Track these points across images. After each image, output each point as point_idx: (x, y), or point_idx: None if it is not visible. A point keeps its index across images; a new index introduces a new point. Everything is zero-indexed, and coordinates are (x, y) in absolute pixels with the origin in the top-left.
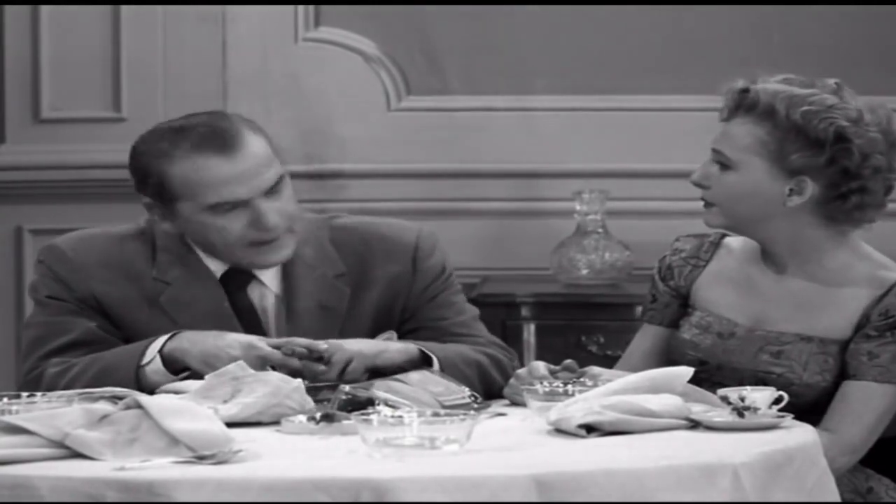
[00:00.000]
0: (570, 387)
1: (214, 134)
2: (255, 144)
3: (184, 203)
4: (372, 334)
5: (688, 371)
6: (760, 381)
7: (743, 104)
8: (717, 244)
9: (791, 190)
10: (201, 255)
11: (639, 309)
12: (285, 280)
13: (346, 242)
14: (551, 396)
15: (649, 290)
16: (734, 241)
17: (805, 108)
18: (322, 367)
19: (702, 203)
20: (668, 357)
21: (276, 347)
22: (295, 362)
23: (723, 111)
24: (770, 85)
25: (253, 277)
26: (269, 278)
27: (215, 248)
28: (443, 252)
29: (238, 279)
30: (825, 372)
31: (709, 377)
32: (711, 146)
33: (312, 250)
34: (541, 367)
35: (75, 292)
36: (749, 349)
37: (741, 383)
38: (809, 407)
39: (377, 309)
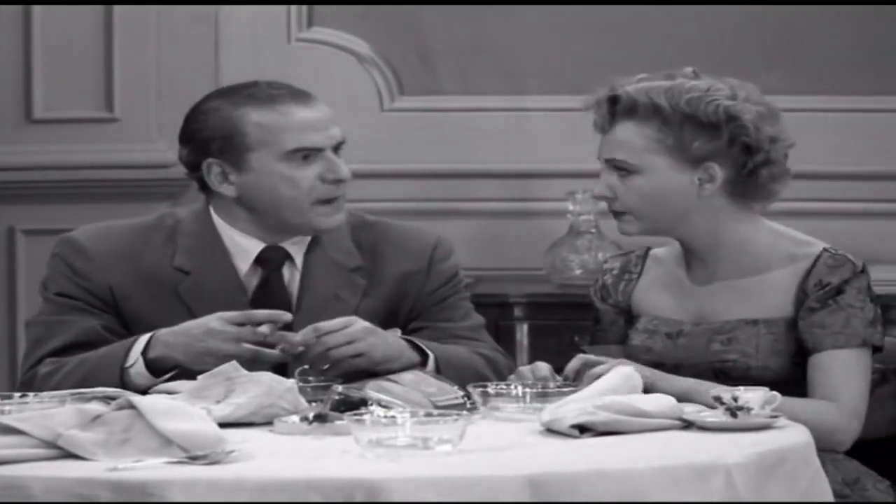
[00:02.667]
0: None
1: (288, 88)
2: (322, 102)
3: (258, 153)
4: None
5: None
6: (719, 371)
7: (619, 110)
8: (644, 257)
9: (700, 179)
10: (230, 241)
11: None
12: (305, 268)
13: (365, 240)
14: (509, 398)
15: (592, 316)
16: (660, 251)
17: (687, 95)
18: (298, 338)
19: (612, 214)
20: None
21: (241, 324)
22: (262, 337)
23: (597, 123)
24: (639, 85)
25: (288, 257)
26: (299, 262)
27: (282, 205)
28: (457, 259)
29: (274, 258)
30: (779, 352)
31: None
32: (603, 157)
33: (332, 243)
34: (544, 368)
35: (89, 283)
36: (699, 343)
37: (700, 378)
38: (770, 389)
39: (387, 304)
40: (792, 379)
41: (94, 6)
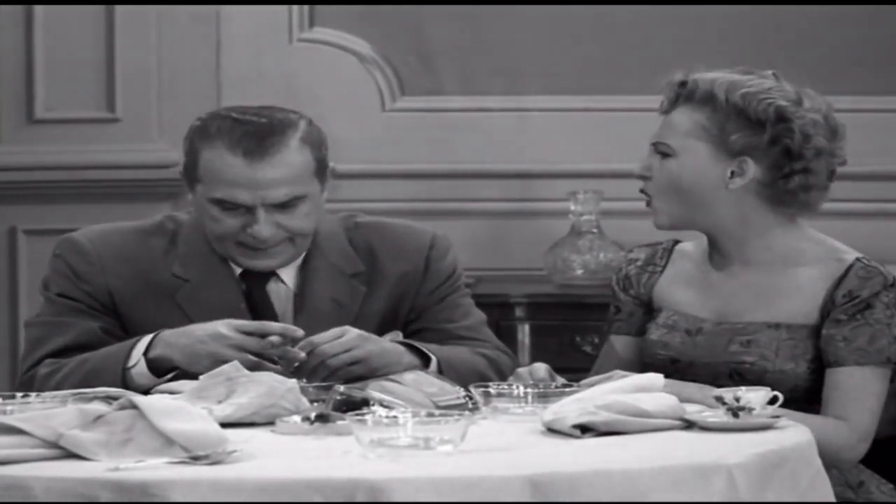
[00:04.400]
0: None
1: (255, 136)
2: (289, 158)
3: (199, 185)
4: (378, 333)
5: (658, 378)
6: (734, 372)
7: (682, 95)
8: (670, 250)
9: (733, 172)
10: None
11: None
12: (303, 276)
13: (362, 241)
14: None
15: (612, 304)
16: (687, 246)
17: (744, 90)
18: (302, 355)
19: (647, 203)
20: (640, 362)
21: (250, 333)
22: (269, 347)
23: (662, 105)
24: (709, 74)
25: (273, 274)
26: (288, 276)
27: (210, 236)
28: (455, 256)
29: (259, 275)
30: (797, 357)
31: (682, 376)
32: (651, 141)
33: (333, 249)
34: (542, 369)
35: (89, 286)
36: (719, 343)
37: (715, 378)
38: (787, 395)
39: (385, 307)
40: (807, 386)
41: (96, 6)
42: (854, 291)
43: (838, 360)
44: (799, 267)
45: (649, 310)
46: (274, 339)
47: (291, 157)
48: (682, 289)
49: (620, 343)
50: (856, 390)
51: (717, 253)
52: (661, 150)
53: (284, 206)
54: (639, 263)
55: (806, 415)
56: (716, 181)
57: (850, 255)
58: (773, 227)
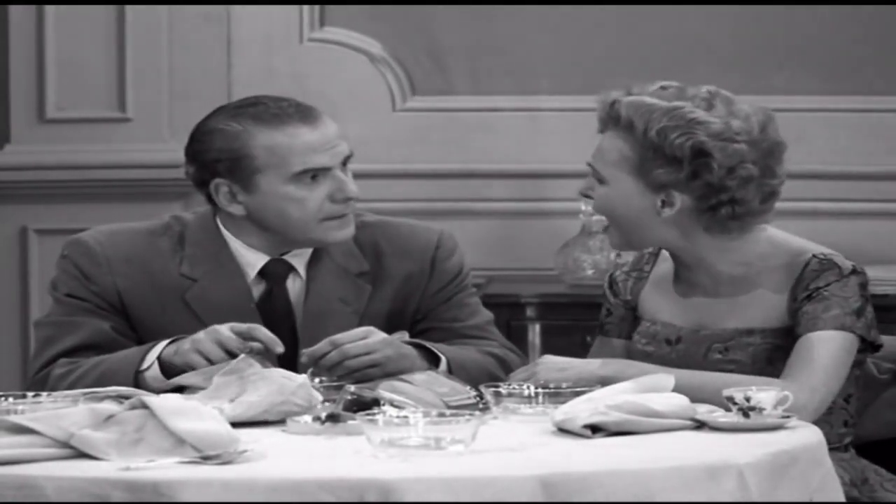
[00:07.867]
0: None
1: (294, 105)
2: (327, 118)
3: (266, 175)
4: (385, 332)
5: (668, 379)
6: None
7: (612, 117)
8: (656, 255)
9: (662, 202)
10: (236, 250)
11: None
12: (309, 276)
13: (368, 240)
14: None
15: (603, 305)
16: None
17: (662, 124)
18: (303, 360)
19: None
20: None
21: (239, 333)
22: (246, 349)
23: (599, 124)
24: (635, 98)
25: (291, 269)
26: (303, 272)
27: (290, 224)
28: (461, 255)
29: (278, 272)
30: (775, 361)
31: None
32: (587, 161)
33: (338, 248)
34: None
35: (98, 287)
36: (698, 351)
37: None
38: None
39: (391, 306)
40: None
41: (107, 6)
42: (811, 285)
43: (798, 335)
44: (765, 274)
45: (636, 315)
46: (255, 345)
47: (327, 117)
48: (662, 296)
49: (611, 345)
50: (807, 351)
51: (682, 266)
52: (595, 175)
53: (346, 163)
54: (625, 269)
55: (751, 377)
56: (647, 210)
57: (807, 254)
58: (726, 240)
